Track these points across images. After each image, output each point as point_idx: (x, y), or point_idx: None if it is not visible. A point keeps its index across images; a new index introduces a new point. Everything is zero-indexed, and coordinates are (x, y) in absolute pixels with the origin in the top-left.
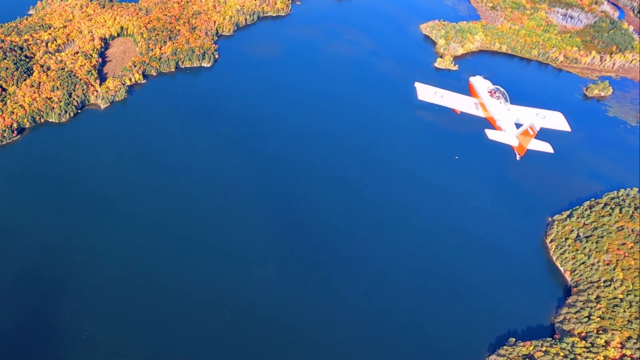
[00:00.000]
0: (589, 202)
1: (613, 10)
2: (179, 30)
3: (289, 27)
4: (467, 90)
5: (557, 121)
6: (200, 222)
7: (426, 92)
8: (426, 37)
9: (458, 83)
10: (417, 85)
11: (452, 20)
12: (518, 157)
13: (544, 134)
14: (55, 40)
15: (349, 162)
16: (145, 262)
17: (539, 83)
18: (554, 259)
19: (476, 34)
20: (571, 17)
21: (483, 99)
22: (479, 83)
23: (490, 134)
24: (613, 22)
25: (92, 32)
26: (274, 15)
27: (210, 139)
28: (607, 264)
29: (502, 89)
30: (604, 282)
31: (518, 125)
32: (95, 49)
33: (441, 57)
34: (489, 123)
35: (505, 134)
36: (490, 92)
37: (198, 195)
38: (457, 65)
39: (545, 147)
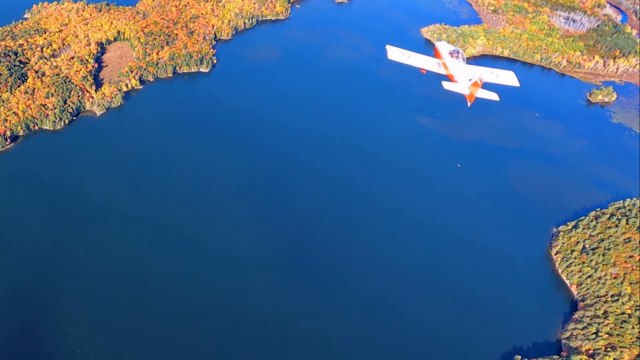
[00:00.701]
0: (594, 212)
1: (616, 13)
2: (176, 35)
3: (288, 31)
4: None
5: (508, 78)
6: (198, 230)
7: (396, 53)
8: (427, 41)
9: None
10: (388, 47)
11: (453, 24)
12: (469, 104)
13: (547, 140)
14: (51, 45)
15: (349, 170)
16: (143, 271)
17: (542, 88)
18: (560, 271)
19: (478, 38)
20: (574, 21)
21: (445, 59)
22: (443, 46)
23: (446, 85)
24: (616, 25)
25: (88, 36)
26: (273, 19)
27: (208, 146)
28: (615, 278)
29: (461, 51)
30: (612, 296)
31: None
32: (91, 54)
33: None
34: (449, 78)
35: (458, 85)
36: (451, 53)
37: (196, 202)
38: None
39: (492, 96)
